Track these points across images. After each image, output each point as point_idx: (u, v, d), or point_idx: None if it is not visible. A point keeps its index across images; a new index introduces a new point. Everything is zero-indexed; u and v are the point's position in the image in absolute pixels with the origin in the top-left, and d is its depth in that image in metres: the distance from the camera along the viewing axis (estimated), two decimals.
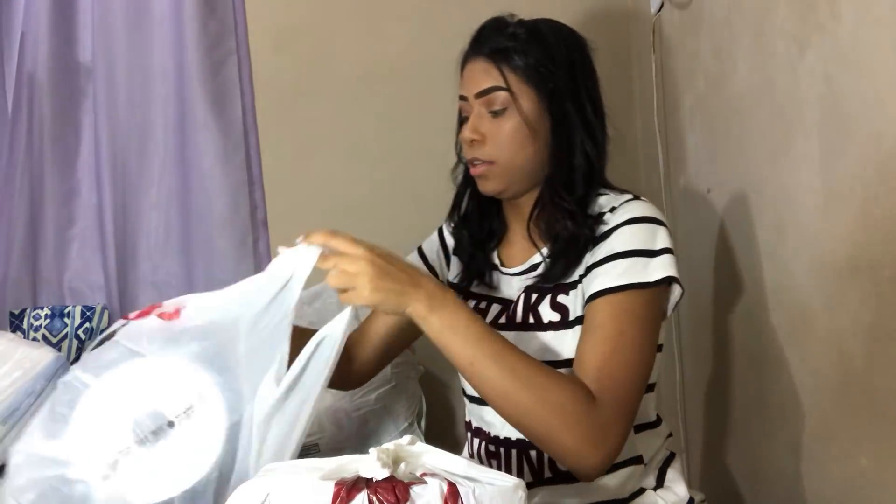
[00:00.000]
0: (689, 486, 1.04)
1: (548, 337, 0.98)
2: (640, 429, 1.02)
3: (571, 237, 0.99)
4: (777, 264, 1.08)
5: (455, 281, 1.12)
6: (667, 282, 0.93)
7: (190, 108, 1.53)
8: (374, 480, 0.54)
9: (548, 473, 0.99)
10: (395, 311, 0.84)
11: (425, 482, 0.54)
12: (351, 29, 1.61)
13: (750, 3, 1.10)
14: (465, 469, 0.56)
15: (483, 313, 1.06)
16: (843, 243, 0.90)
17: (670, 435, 1.07)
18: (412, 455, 0.58)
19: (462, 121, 1.07)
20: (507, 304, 1.05)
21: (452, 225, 1.15)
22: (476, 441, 1.07)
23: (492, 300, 1.07)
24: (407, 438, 0.59)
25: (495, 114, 1.01)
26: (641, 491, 1.01)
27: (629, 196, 1.01)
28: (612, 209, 0.99)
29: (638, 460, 1.00)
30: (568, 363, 0.95)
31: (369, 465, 0.55)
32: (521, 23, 1.04)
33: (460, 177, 1.13)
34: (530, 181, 1.03)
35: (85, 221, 1.59)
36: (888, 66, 0.80)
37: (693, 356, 1.47)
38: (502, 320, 1.04)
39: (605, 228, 0.97)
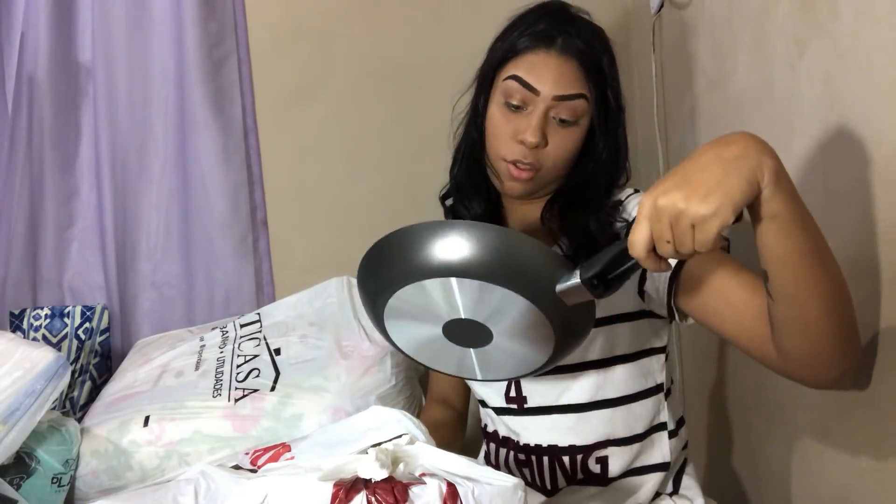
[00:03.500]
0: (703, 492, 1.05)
1: None
2: (672, 434, 1.02)
3: (600, 231, 0.93)
4: None
5: None
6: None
7: (190, 108, 1.54)
8: (373, 481, 0.54)
9: (580, 475, 0.99)
10: (749, 198, 0.62)
11: (424, 482, 0.54)
12: (351, 29, 1.61)
13: (750, 3, 1.10)
14: (465, 469, 0.56)
15: None
16: (843, 243, 0.90)
17: (686, 446, 1.07)
18: (411, 455, 0.58)
19: (486, 86, 0.97)
20: None
21: (450, 201, 1.06)
22: (503, 451, 1.05)
23: None
24: (406, 438, 0.58)
25: (565, 123, 0.93)
26: (658, 495, 1.02)
27: (631, 190, 0.99)
28: (621, 203, 0.96)
29: (665, 467, 1.01)
30: (590, 365, 0.95)
31: (368, 465, 0.54)
32: (588, 22, 0.98)
33: (463, 151, 1.03)
34: (554, 186, 0.99)
35: (85, 221, 1.59)
36: (888, 66, 0.80)
37: (693, 357, 1.47)
38: None
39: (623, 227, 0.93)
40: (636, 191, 0.98)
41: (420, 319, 0.77)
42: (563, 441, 0.98)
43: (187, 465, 1.14)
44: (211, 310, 1.58)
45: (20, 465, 1.04)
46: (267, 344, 1.33)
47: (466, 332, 0.76)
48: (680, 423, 1.06)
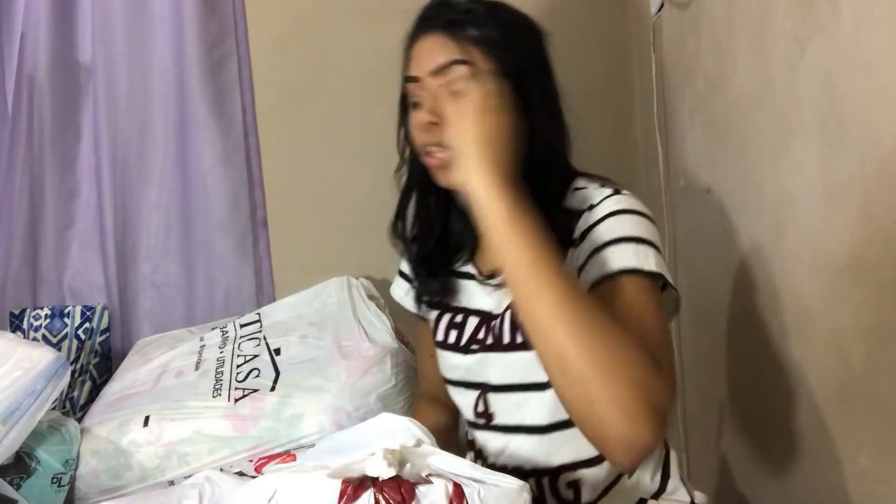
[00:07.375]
0: (688, 479, 1.02)
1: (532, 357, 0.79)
2: None
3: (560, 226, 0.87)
4: (777, 264, 1.08)
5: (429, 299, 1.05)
6: (660, 280, 0.83)
7: (190, 108, 1.54)
8: (380, 479, 0.54)
9: (552, 501, 0.94)
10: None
11: (431, 482, 0.54)
12: (351, 29, 1.60)
13: (750, 3, 1.10)
14: (470, 470, 0.56)
15: (459, 328, 0.99)
16: (843, 243, 0.90)
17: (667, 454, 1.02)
18: (418, 456, 0.58)
19: (405, 108, 0.98)
20: (487, 317, 0.97)
21: (400, 236, 1.07)
22: (479, 462, 1.00)
23: (468, 312, 0.99)
24: (413, 440, 0.59)
25: (456, 94, 0.88)
26: (643, 501, 0.96)
27: (609, 191, 0.90)
28: (591, 207, 0.89)
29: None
30: (547, 384, 0.81)
31: (376, 464, 0.55)
32: (475, 1, 0.94)
33: (405, 178, 1.05)
34: None
35: (85, 221, 1.59)
36: (888, 66, 0.80)
37: (693, 356, 1.47)
38: (489, 340, 0.95)
39: (584, 227, 0.87)
40: (616, 191, 0.90)
41: None
42: (527, 464, 0.93)
43: (187, 465, 1.15)
44: (211, 310, 1.58)
45: (20, 465, 1.04)
46: (267, 344, 1.33)
47: None
48: None
